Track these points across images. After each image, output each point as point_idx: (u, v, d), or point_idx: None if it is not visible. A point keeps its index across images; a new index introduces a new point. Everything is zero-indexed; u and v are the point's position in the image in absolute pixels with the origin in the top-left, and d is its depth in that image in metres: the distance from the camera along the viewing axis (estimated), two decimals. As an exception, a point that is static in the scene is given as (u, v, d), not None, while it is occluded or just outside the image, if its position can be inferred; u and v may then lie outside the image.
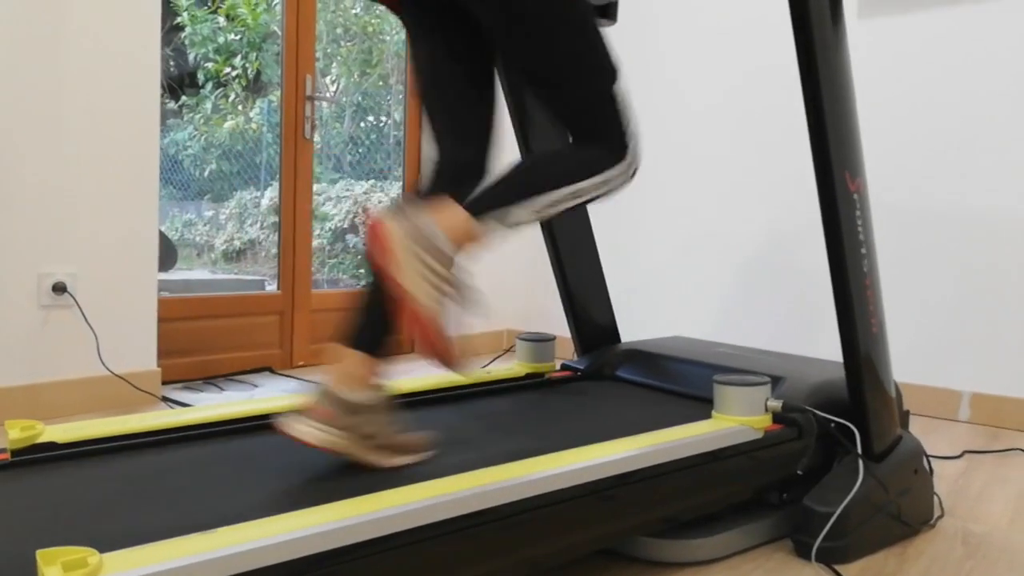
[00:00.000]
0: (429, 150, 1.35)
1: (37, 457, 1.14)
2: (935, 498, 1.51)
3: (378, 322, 1.17)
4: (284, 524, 0.86)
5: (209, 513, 0.96)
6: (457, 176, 1.27)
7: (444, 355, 1.09)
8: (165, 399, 2.28)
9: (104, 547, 0.78)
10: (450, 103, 1.27)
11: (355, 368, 1.13)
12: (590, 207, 2.02)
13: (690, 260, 3.01)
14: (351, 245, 3.86)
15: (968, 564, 1.31)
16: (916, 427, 2.27)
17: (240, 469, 1.13)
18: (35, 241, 2.06)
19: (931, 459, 1.49)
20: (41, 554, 0.74)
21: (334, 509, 0.90)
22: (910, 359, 2.47)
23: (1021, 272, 2.27)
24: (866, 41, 2.54)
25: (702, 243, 2.98)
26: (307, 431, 1.08)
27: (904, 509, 1.39)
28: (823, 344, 2.61)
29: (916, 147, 2.46)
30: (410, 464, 1.15)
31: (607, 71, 1.21)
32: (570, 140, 1.27)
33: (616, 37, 3.20)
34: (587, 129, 1.23)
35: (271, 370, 2.81)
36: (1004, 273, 2.30)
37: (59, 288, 2.09)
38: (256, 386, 2.54)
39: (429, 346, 1.08)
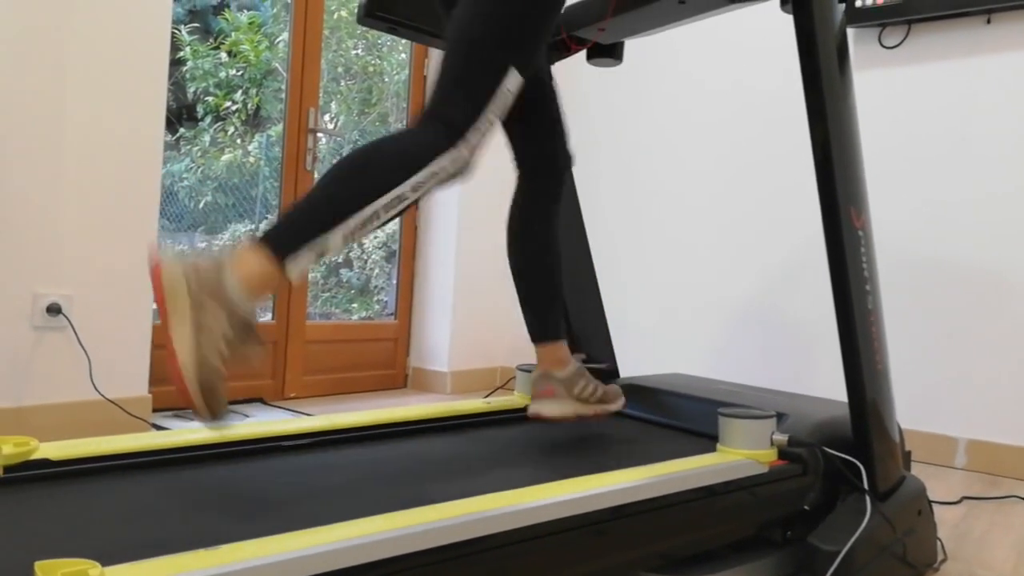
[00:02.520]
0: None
1: (31, 474, 1.11)
2: (938, 542, 1.49)
3: (548, 313, 1.46)
4: (283, 544, 0.83)
5: (210, 531, 0.94)
6: (535, 170, 1.47)
7: (195, 409, 1.00)
8: (155, 426, 2.24)
9: (105, 561, 0.76)
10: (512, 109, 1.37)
11: (556, 353, 1.44)
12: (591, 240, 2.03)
13: (685, 300, 3.02)
14: (344, 280, 3.85)
15: (975, 607, 1.29)
16: (913, 472, 2.26)
17: (241, 490, 1.10)
18: (31, 261, 2.04)
19: (931, 504, 1.48)
20: (40, 566, 0.71)
21: (332, 531, 0.88)
22: (906, 404, 2.47)
23: (1016, 322, 2.29)
24: (859, 92, 2.60)
25: (697, 283, 2.99)
26: (551, 410, 1.41)
27: (909, 550, 1.37)
28: (819, 384, 2.61)
29: (908, 195, 2.49)
30: (620, 409, 1.51)
31: (501, 52, 1.15)
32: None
33: (612, 84, 3.26)
34: (438, 96, 1.15)
35: (263, 400, 2.77)
36: (999, 321, 2.32)
37: (53, 309, 2.06)
38: (247, 416, 2.51)
39: (183, 397, 0.99)
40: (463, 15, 1.19)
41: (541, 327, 1.47)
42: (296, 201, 1.06)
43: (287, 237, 1.03)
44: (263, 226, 3.46)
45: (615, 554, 1.12)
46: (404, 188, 1.07)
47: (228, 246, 1.02)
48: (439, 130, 1.12)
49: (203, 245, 3.69)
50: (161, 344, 2.48)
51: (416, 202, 1.10)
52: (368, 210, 1.05)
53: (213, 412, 1.00)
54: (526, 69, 1.20)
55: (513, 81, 1.17)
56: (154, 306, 0.99)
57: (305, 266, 1.03)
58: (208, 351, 0.97)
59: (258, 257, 1.01)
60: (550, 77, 1.51)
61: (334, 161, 1.13)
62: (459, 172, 1.14)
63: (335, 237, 1.04)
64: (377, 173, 1.07)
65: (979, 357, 2.35)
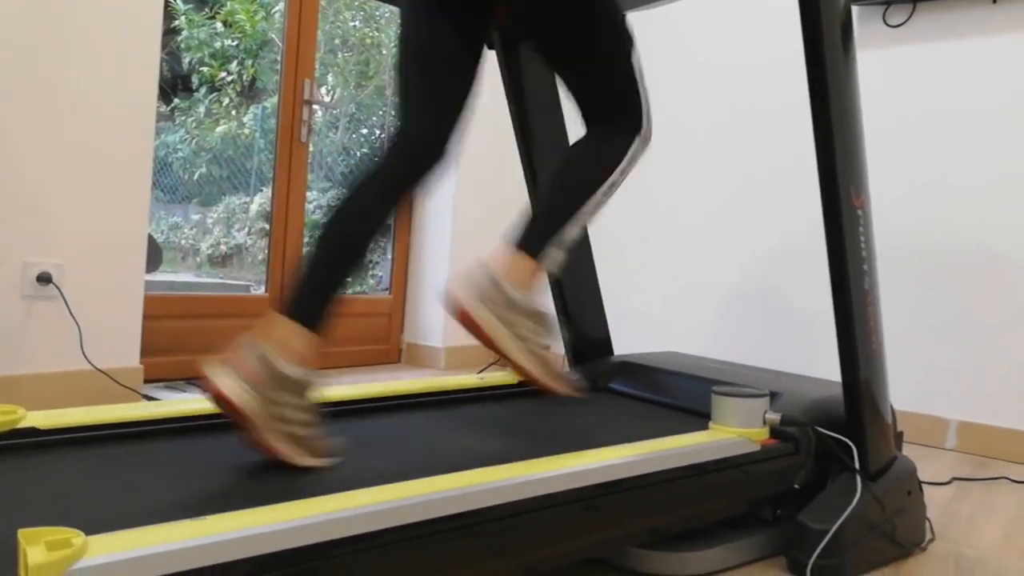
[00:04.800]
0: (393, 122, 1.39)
1: (18, 442, 1.10)
2: (927, 522, 1.50)
3: (323, 296, 1.11)
4: (272, 515, 0.83)
5: (197, 501, 0.93)
6: (412, 151, 1.23)
7: (558, 386, 1.20)
8: (146, 396, 2.23)
9: (89, 530, 0.75)
10: (431, 77, 1.25)
11: (293, 339, 1.07)
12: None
13: (682, 278, 3.01)
14: (340, 254, 3.82)
15: (962, 586, 1.30)
16: (904, 453, 2.27)
17: (232, 460, 1.10)
18: (22, 231, 2.02)
19: (921, 484, 1.48)
20: (24, 533, 0.70)
21: (323, 503, 0.88)
22: (899, 386, 2.47)
23: (1009, 305, 2.28)
24: (861, 71, 2.57)
25: (695, 262, 2.98)
26: (227, 383, 0.99)
27: (898, 530, 1.37)
28: (815, 364, 2.61)
29: (908, 176, 2.48)
30: (311, 467, 1.06)
31: (626, 41, 1.27)
32: (583, 124, 1.31)
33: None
34: (606, 105, 1.27)
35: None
36: (992, 305, 2.31)
37: (44, 279, 2.04)
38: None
39: (548, 387, 1.19)
40: (572, 42, 1.25)
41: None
42: (530, 211, 1.25)
43: (536, 239, 1.19)
44: (257, 198, 3.43)
45: (607, 529, 1.12)
46: (615, 176, 1.25)
47: (489, 262, 1.16)
48: (626, 130, 1.27)
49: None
50: (155, 316, 2.47)
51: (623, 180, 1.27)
52: (594, 200, 1.23)
53: (566, 383, 1.22)
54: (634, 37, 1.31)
55: (637, 54, 1.29)
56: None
57: (557, 259, 1.21)
58: (534, 347, 1.15)
59: (520, 260, 1.17)
60: None
61: (330, 135, 1.19)
62: (647, 147, 1.30)
63: (574, 227, 1.22)
64: (591, 171, 1.25)
65: (972, 340, 2.35)
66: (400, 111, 1.27)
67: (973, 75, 2.37)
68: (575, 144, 1.30)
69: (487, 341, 1.11)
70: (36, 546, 0.69)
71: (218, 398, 1.00)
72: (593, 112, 1.29)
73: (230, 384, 0.99)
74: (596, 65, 1.27)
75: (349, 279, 1.16)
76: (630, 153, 1.26)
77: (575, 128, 1.56)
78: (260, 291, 2.94)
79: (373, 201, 1.20)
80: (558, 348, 1.96)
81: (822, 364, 2.59)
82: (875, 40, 2.54)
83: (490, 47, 1.71)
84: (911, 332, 2.46)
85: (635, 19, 3.11)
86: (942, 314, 2.41)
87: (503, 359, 1.14)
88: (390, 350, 3.33)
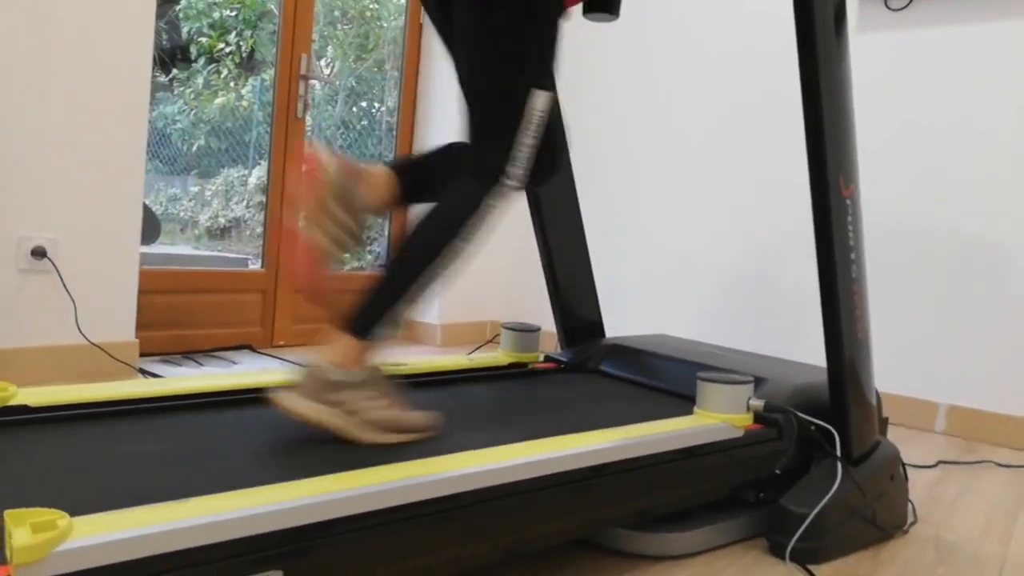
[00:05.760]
0: (421, 137, 1.42)
1: (7, 420, 1.12)
2: (909, 505, 1.52)
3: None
4: (257, 497, 0.84)
5: (184, 483, 0.94)
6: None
7: (406, 438, 1.14)
8: (142, 371, 2.25)
9: (74, 511, 0.77)
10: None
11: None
12: (581, 196, 2.01)
13: (675, 262, 3.02)
14: (338, 229, 3.83)
15: (939, 570, 1.32)
16: (893, 436, 2.29)
17: (218, 441, 1.11)
18: (16, 204, 2.03)
19: (907, 467, 1.50)
20: (9, 514, 0.72)
21: (308, 485, 0.89)
22: (890, 369, 2.49)
23: (1000, 290, 2.29)
24: (861, 55, 2.55)
25: (688, 246, 2.98)
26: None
27: (879, 513, 1.39)
28: (804, 349, 2.62)
29: (904, 161, 2.47)
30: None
31: (527, 74, 1.17)
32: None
33: (608, 42, 3.20)
34: (473, 141, 1.22)
35: (251, 348, 2.78)
36: (984, 291, 2.32)
37: (38, 252, 2.05)
38: (235, 363, 2.52)
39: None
40: (470, 57, 1.21)
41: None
42: (367, 289, 1.18)
43: (362, 322, 1.15)
44: (256, 171, 3.43)
45: (592, 511, 1.14)
46: (457, 241, 1.17)
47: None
48: (480, 176, 1.19)
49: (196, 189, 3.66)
50: (151, 290, 2.48)
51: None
52: (428, 275, 1.17)
53: (414, 434, 1.16)
54: (551, 84, 1.22)
55: (541, 101, 1.17)
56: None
57: (391, 334, 1.17)
58: (373, 413, 1.13)
59: (345, 342, 1.14)
60: None
61: (329, 108, 1.23)
62: (508, 199, 1.21)
63: (405, 308, 1.17)
64: (427, 248, 1.18)
65: (963, 324, 2.36)
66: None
67: (974, 60, 2.35)
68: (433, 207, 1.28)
69: (322, 429, 1.10)
70: (21, 527, 0.70)
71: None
72: (466, 128, 1.23)
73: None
74: (471, 90, 1.21)
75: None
76: (477, 207, 1.16)
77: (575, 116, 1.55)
78: (257, 266, 2.95)
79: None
80: (550, 329, 1.97)
81: (812, 348, 2.60)
82: (876, 24, 2.52)
83: None
84: (903, 316, 2.47)
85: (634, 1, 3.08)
86: (934, 299, 2.41)
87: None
88: (386, 326, 3.34)
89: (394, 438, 1.13)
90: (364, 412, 1.11)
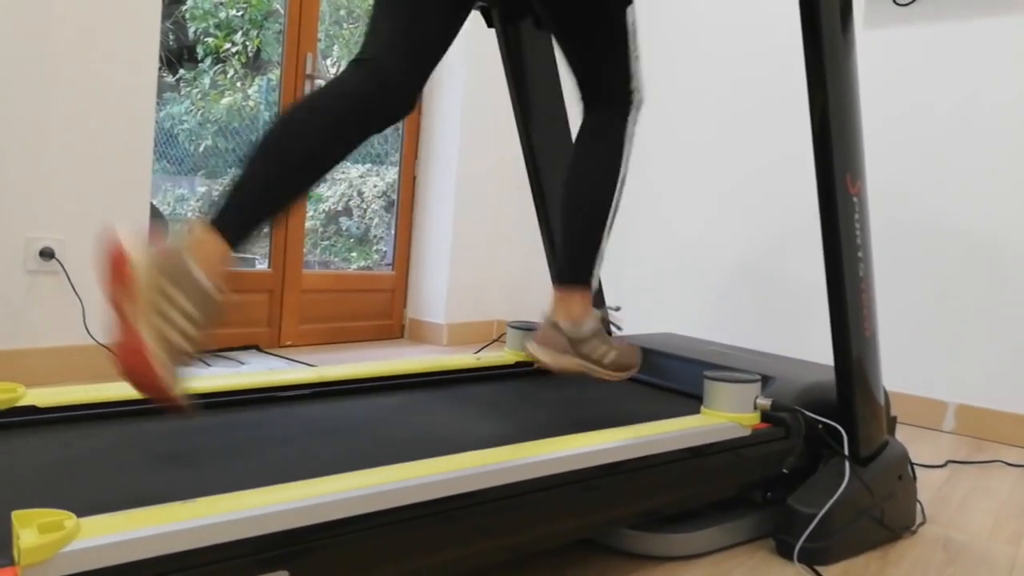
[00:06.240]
0: (426, 133, 1.41)
1: (17, 420, 1.12)
2: (918, 505, 1.51)
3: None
4: (263, 498, 0.84)
5: (191, 483, 0.95)
6: (391, 92, 1.13)
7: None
8: (150, 372, 2.25)
9: (82, 512, 0.77)
10: (422, 17, 1.15)
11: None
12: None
13: (682, 259, 3.01)
14: (344, 228, 3.83)
15: (948, 571, 1.31)
16: (901, 435, 2.28)
17: (225, 441, 1.11)
18: (24, 206, 2.03)
19: (915, 467, 1.49)
20: (17, 515, 0.72)
21: (314, 485, 0.89)
22: (898, 368, 2.47)
23: (1008, 288, 2.28)
24: (869, 51, 2.54)
25: (695, 243, 2.97)
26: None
27: (887, 514, 1.39)
28: (812, 347, 2.61)
29: (912, 158, 2.46)
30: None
31: (629, 8, 1.29)
32: (583, 107, 1.36)
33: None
34: (609, 83, 1.31)
35: (258, 348, 2.79)
36: (994, 288, 2.31)
37: (46, 254, 2.06)
38: (243, 363, 2.53)
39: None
40: (590, 18, 1.28)
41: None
42: (562, 243, 1.36)
43: (583, 271, 1.34)
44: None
45: (599, 511, 1.14)
46: (623, 172, 1.33)
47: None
48: (620, 108, 1.32)
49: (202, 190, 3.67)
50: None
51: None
52: (612, 213, 1.33)
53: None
54: None
55: (631, 14, 1.29)
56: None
57: (595, 281, 1.36)
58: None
59: (576, 295, 1.31)
60: None
61: None
62: (642, 108, 1.34)
63: (606, 244, 1.35)
64: (604, 197, 1.32)
65: (972, 322, 2.34)
66: (376, 38, 1.14)
67: (982, 56, 2.33)
68: (578, 150, 1.35)
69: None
70: (28, 528, 0.70)
71: (109, 245, 0.97)
72: (595, 92, 1.32)
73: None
74: (609, 40, 1.28)
75: (286, 204, 1.07)
76: (628, 136, 1.32)
77: (574, 109, 1.55)
78: (264, 266, 2.95)
79: (336, 132, 1.09)
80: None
81: (820, 346, 2.59)
82: (883, 19, 2.50)
83: (489, 25, 1.69)
84: (911, 314, 2.45)
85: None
86: (943, 296, 2.40)
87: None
88: (393, 326, 3.35)
89: (625, 374, 1.35)
90: (603, 357, 1.32)
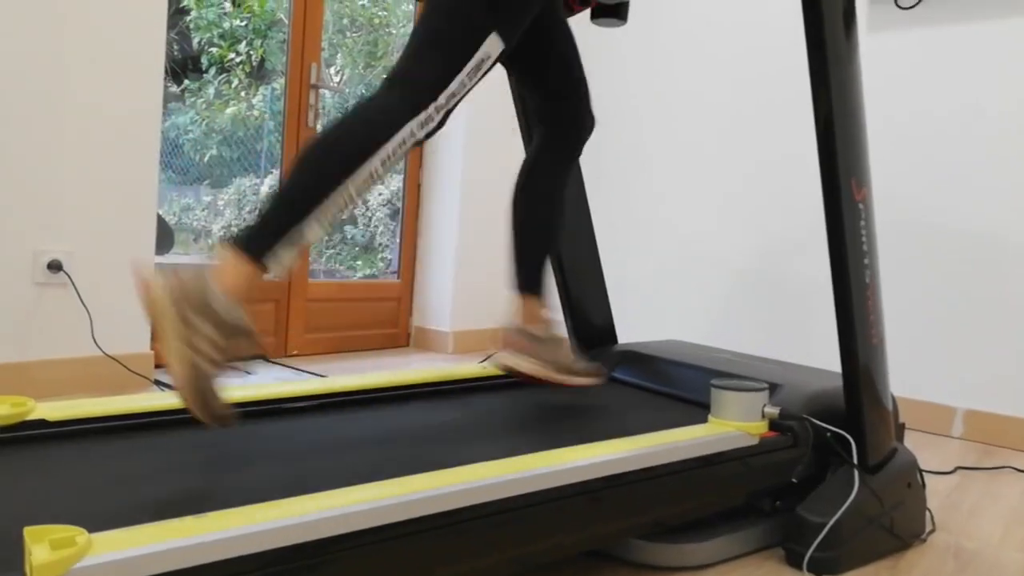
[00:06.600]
0: (431, 140, 1.44)
1: (26, 434, 1.13)
2: (927, 513, 1.50)
3: (537, 268, 1.44)
4: (273, 512, 0.84)
5: (202, 497, 0.95)
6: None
7: (200, 412, 1.02)
8: (158, 382, 2.26)
9: (93, 527, 0.77)
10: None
11: (534, 309, 1.43)
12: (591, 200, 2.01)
13: (686, 266, 3.01)
14: (349, 236, 3.84)
15: (959, 579, 1.31)
16: (910, 442, 2.27)
17: (235, 455, 1.12)
18: (32, 218, 2.04)
19: (924, 474, 1.49)
20: (29, 531, 0.72)
21: (323, 499, 0.89)
22: (906, 374, 2.47)
23: (1016, 292, 2.27)
24: (872, 55, 2.54)
25: (699, 249, 2.97)
26: (518, 363, 1.37)
27: (897, 522, 1.38)
28: (818, 354, 2.61)
29: (917, 162, 2.46)
30: (591, 384, 1.45)
31: (484, 14, 1.15)
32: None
33: (623, 38, 3.20)
34: (410, 58, 1.15)
35: (265, 358, 2.80)
36: (1001, 293, 2.30)
37: (54, 266, 2.07)
38: (250, 373, 2.53)
39: (201, 409, 1.02)
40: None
41: (522, 277, 1.46)
42: (270, 194, 1.09)
43: (261, 237, 1.05)
44: (268, 181, 3.45)
45: (606, 522, 1.13)
46: (374, 163, 1.07)
47: (209, 256, 1.07)
48: (406, 94, 1.11)
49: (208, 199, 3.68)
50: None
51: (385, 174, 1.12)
52: (340, 193, 1.06)
53: (211, 415, 1.03)
54: (511, 37, 1.18)
55: (494, 46, 1.14)
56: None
57: (286, 262, 1.06)
58: (199, 360, 1.00)
59: (238, 262, 1.04)
60: (569, 35, 1.49)
61: (338, 116, 1.12)
62: (429, 135, 1.13)
63: (310, 226, 1.06)
64: (344, 153, 1.07)
65: (979, 327, 2.33)
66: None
67: (986, 59, 2.33)
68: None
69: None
70: (40, 544, 0.70)
71: (519, 376, 1.32)
72: (398, 63, 1.16)
73: (518, 363, 1.34)
74: (433, 5, 1.16)
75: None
76: (401, 134, 1.10)
77: (578, 119, 1.55)
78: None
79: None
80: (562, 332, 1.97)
81: (827, 352, 2.58)
82: (887, 23, 2.50)
83: None
84: (918, 319, 2.45)
85: None
86: (950, 302, 2.39)
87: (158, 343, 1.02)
88: (399, 334, 3.35)
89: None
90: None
